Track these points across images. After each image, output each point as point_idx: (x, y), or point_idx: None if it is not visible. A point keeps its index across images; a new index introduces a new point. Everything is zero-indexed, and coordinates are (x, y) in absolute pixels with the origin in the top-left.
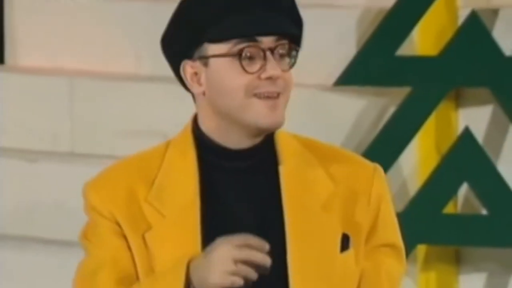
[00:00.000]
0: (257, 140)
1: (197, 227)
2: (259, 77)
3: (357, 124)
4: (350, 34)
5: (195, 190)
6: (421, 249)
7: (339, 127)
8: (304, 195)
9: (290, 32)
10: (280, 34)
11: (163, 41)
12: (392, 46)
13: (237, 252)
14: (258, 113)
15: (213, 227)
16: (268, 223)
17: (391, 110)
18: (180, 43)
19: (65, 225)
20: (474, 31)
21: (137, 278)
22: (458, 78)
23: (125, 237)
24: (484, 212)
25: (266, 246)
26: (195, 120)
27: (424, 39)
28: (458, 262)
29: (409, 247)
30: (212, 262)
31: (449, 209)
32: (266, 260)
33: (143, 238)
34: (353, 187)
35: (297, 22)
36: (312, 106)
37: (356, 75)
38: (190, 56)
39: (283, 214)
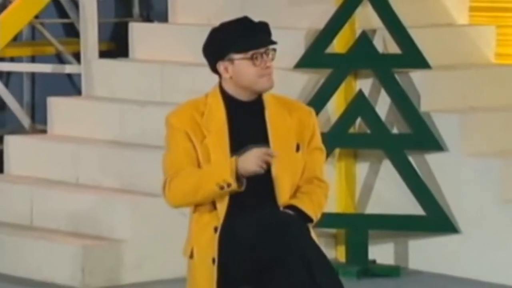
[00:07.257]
0: (255, 96)
1: (227, 139)
2: (261, 67)
3: (304, 89)
4: (300, 42)
5: (224, 120)
6: (337, 150)
7: (295, 90)
8: (277, 123)
9: (272, 43)
10: (267, 45)
11: (205, 51)
12: (322, 47)
13: (264, 155)
14: (264, 84)
15: (234, 140)
16: (261, 137)
17: (321, 81)
18: (216, 53)
19: (158, 141)
20: (364, 41)
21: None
22: (355, 64)
23: (192, 142)
24: (368, 131)
25: (275, 154)
26: (220, 85)
27: (339, 45)
28: (355, 156)
29: (331, 150)
30: (252, 157)
31: (351, 130)
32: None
33: (202, 143)
34: (300, 118)
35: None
36: (282, 79)
37: (304, 62)
38: (222, 59)
39: (267, 133)
